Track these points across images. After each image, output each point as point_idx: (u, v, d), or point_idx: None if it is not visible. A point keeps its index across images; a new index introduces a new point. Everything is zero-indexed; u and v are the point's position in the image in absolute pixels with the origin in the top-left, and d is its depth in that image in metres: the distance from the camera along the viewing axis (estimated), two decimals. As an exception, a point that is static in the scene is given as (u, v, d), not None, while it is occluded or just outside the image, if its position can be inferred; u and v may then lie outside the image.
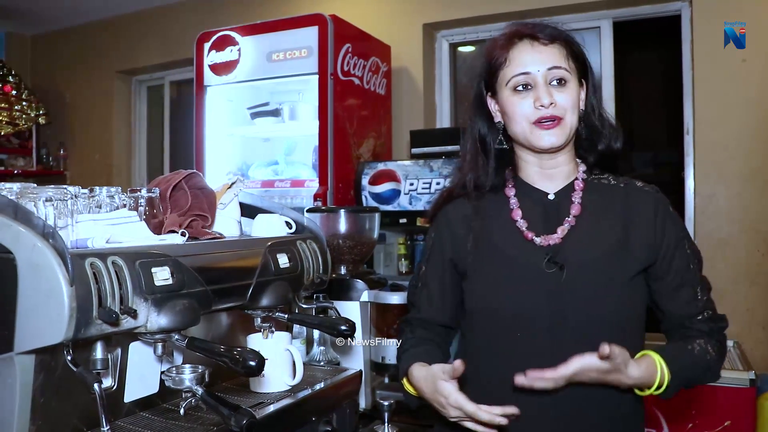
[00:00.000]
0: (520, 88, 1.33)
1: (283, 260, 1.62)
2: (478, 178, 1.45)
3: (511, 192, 1.43)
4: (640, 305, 1.35)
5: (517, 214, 1.39)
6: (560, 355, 1.21)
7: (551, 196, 1.41)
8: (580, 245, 1.33)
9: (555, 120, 1.32)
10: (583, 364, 1.17)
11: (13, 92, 5.10)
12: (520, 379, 1.19)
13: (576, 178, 1.41)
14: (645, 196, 1.39)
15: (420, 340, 1.49)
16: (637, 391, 1.28)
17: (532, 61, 1.32)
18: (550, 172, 1.41)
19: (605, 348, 1.15)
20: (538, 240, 1.35)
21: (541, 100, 1.30)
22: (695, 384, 1.35)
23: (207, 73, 3.60)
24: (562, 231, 1.35)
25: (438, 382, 1.27)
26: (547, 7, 3.72)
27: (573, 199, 1.38)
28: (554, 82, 1.32)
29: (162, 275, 1.25)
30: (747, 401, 2.51)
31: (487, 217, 1.43)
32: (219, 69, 3.56)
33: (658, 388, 1.26)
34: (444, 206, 1.52)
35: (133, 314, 1.18)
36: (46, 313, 1.09)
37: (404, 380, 1.43)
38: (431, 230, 1.54)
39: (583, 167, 1.43)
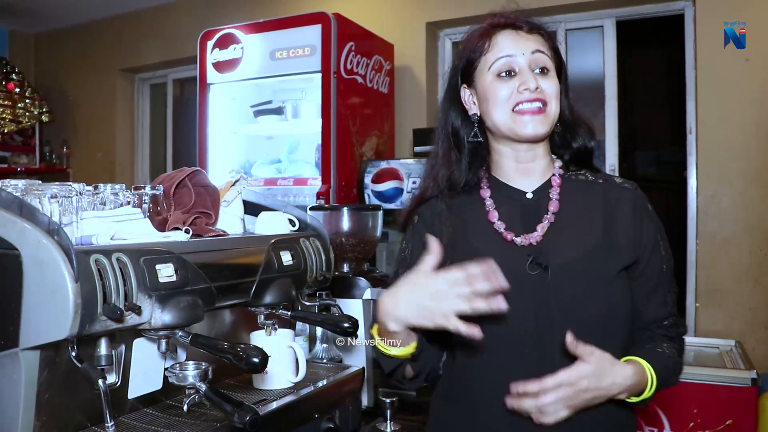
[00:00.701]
0: (504, 74, 1.29)
1: (286, 258, 1.62)
2: (451, 175, 1.39)
3: (486, 193, 1.38)
4: (624, 303, 1.30)
5: (494, 215, 1.34)
6: (549, 359, 1.20)
7: (529, 195, 1.36)
8: (561, 243, 1.29)
9: (540, 105, 1.27)
10: (570, 372, 1.14)
11: (17, 90, 5.11)
12: (510, 402, 1.17)
13: (553, 175, 1.37)
14: (624, 192, 1.35)
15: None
16: (627, 400, 1.24)
17: (516, 45, 1.29)
18: (527, 167, 1.36)
19: (569, 337, 1.14)
20: (518, 240, 1.30)
21: (527, 84, 1.26)
22: (663, 388, 1.31)
23: (210, 71, 3.61)
24: (542, 228, 1.30)
25: (427, 275, 1.15)
26: (551, 6, 3.73)
27: (551, 196, 1.34)
28: (537, 70, 1.29)
29: (166, 272, 1.25)
30: (748, 400, 2.51)
31: (462, 219, 1.37)
32: (222, 67, 3.56)
33: (648, 392, 1.24)
34: (416, 209, 1.45)
35: (138, 311, 1.18)
36: (51, 309, 1.09)
37: (376, 339, 1.27)
38: (406, 235, 1.46)
39: (559, 163, 1.39)
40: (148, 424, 1.34)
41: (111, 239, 1.27)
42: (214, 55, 3.58)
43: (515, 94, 1.28)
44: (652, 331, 1.34)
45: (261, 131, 3.77)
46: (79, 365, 1.17)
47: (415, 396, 2.13)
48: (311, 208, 2.28)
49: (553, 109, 1.30)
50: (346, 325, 1.65)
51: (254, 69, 3.47)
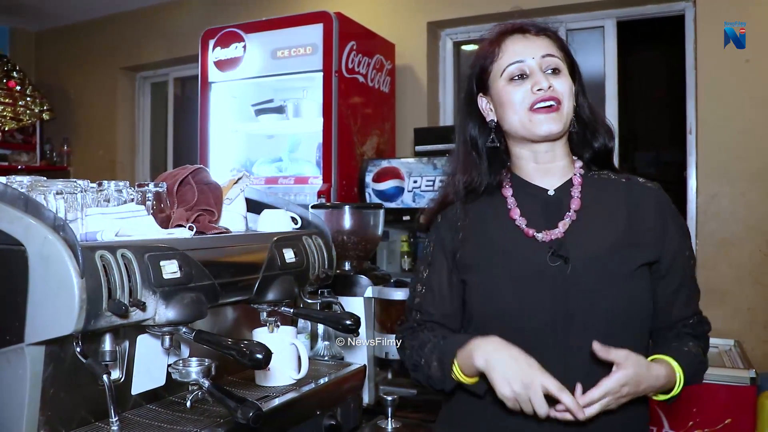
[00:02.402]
0: (516, 77, 1.32)
1: (289, 255, 1.63)
2: (471, 181, 1.42)
3: (508, 192, 1.41)
4: (646, 299, 1.32)
5: (516, 213, 1.37)
6: (568, 351, 1.22)
7: (551, 192, 1.38)
8: (582, 239, 1.31)
9: (553, 103, 1.30)
10: (612, 381, 1.15)
11: (18, 88, 5.11)
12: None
13: (574, 174, 1.39)
14: (648, 191, 1.37)
15: (446, 332, 1.41)
16: (656, 397, 1.27)
17: (525, 49, 1.32)
18: (547, 167, 1.39)
19: (596, 345, 1.16)
20: (539, 236, 1.32)
21: (540, 84, 1.29)
22: (691, 384, 1.35)
23: (212, 69, 3.62)
24: (563, 225, 1.33)
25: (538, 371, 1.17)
26: (552, 6, 3.73)
27: (573, 194, 1.36)
28: (549, 71, 1.32)
29: (170, 269, 1.26)
30: (747, 399, 2.52)
31: (484, 219, 1.41)
32: (224, 66, 3.57)
33: (675, 391, 1.27)
34: (440, 212, 1.49)
35: (142, 307, 1.19)
36: (57, 304, 1.10)
37: (455, 367, 1.27)
38: (430, 235, 1.50)
39: (579, 163, 1.42)
40: (151, 419, 1.35)
41: (116, 236, 1.28)
42: (215, 54, 3.58)
43: (529, 96, 1.30)
44: (677, 330, 1.36)
45: (262, 130, 3.78)
46: (84, 361, 1.18)
47: (416, 394, 2.14)
48: (313, 207, 2.29)
49: (566, 107, 1.32)
50: (348, 322, 1.66)
51: (256, 68, 3.48)
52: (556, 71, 1.32)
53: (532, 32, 1.34)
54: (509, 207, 1.38)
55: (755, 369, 2.56)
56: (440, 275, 1.44)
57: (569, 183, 1.38)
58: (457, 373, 1.26)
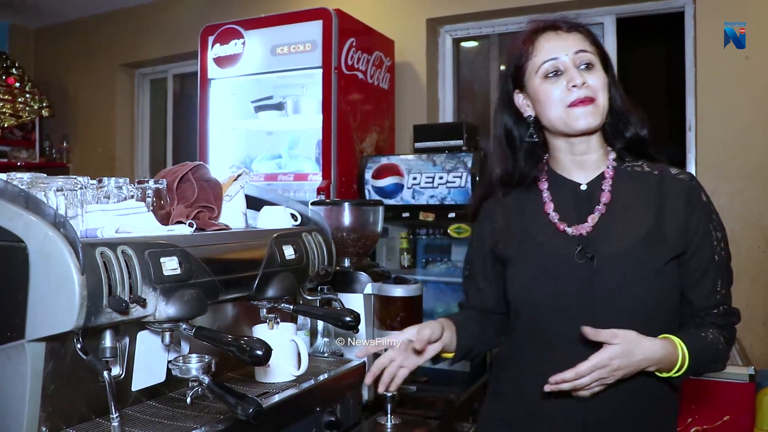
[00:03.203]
0: (551, 74, 1.36)
1: (288, 252, 1.63)
2: (507, 176, 1.49)
3: (544, 186, 1.47)
4: (671, 294, 1.36)
5: (549, 207, 1.43)
6: (591, 343, 1.25)
7: (583, 187, 1.44)
8: (610, 234, 1.36)
9: (589, 100, 1.34)
10: (600, 355, 1.21)
11: (17, 84, 5.12)
12: (547, 388, 1.24)
13: (606, 167, 1.43)
14: (679, 183, 1.39)
15: (462, 314, 1.61)
16: (658, 374, 1.30)
17: (559, 47, 1.36)
18: (582, 159, 1.43)
19: (586, 329, 1.22)
20: (569, 230, 1.39)
21: (574, 81, 1.33)
22: (704, 371, 1.38)
23: (211, 66, 3.62)
24: (592, 219, 1.38)
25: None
26: (551, 3, 3.73)
27: (603, 187, 1.41)
28: (582, 66, 1.35)
29: (170, 265, 1.26)
30: (746, 396, 2.53)
31: (521, 211, 1.48)
32: (223, 62, 3.57)
33: (679, 369, 1.28)
34: (482, 203, 1.58)
35: (142, 303, 1.19)
36: (57, 301, 1.10)
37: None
38: (475, 225, 1.62)
39: (613, 155, 1.45)
40: (151, 416, 1.35)
41: (116, 232, 1.28)
42: (215, 51, 3.58)
43: (565, 92, 1.35)
44: (701, 318, 1.38)
45: (261, 127, 3.78)
46: (84, 357, 1.18)
47: (415, 391, 2.14)
48: (313, 203, 2.29)
49: (602, 100, 1.36)
50: (348, 319, 1.66)
51: (255, 64, 3.48)
52: (589, 66, 1.36)
53: (564, 29, 1.38)
54: (544, 201, 1.45)
55: (754, 366, 2.57)
56: (480, 264, 1.58)
57: (601, 176, 1.43)
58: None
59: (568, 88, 1.34)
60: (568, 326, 1.33)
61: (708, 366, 1.36)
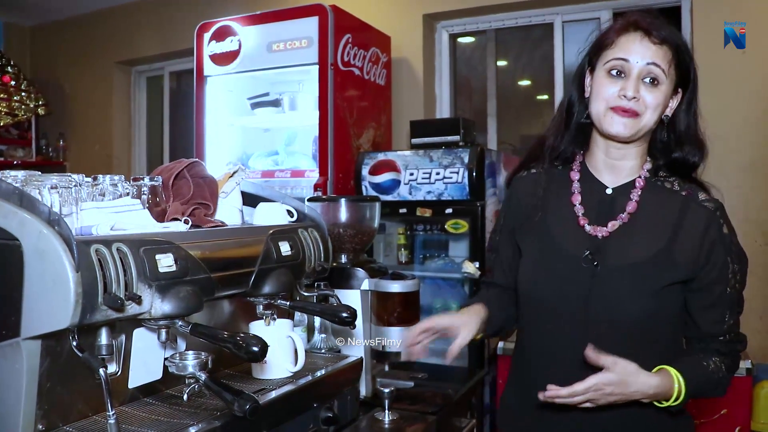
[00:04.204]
0: (614, 72, 1.35)
1: (284, 248, 1.63)
2: (553, 143, 1.51)
3: (575, 176, 1.48)
4: (673, 313, 1.38)
5: (577, 198, 1.45)
6: (585, 345, 1.27)
7: (609, 191, 1.44)
8: (624, 244, 1.37)
9: (633, 113, 1.34)
10: (596, 379, 1.24)
11: (12, 83, 5.11)
12: (541, 396, 1.27)
13: (638, 177, 1.43)
14: (702, 211, 1.38)
15: (486, 296, 1.63)
16: (656, 404, 1.32)
17: (636, 51, 1.34)
18: (615, 164, 1.44)
19: (588, 350, 1.25)
20: (588, 228, 1.40)
21: (627, 91, 1.33)
22: (703, 397, 1.40)
23: (207, 63, 3.61)
24: (612, 225, 1.39)
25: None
26: (548, -2, 3.74)
27: (631, 196, 1.41)
28: (647, 80, 1.34)
29: (166, 262, 1.26)
30: (743, 390, 2.54)
31: (548, 190, 1.50)
32: (219, 59, 3.56)
33: (675, 400, 1.30)
34: (519, 172, 1.60)
35: (138, 300, 1.19)
36: (53, 299, 1.10)
37: None
38: (505, 199, 1.66)
39: (648, 166, 1.44)
40: (148, 413, 1.35)
41: (111, 230, 1.28)
42: (211, 48, 3.58)
43: (614, 95, 1.34)
44: (706, 344, 1.40)
45: (258, 123, 3.77)
46: (80, 354, 1.18)
47: (413, 386, 2.14)
48: (309, 199, 2.29)
49: (646, 118, 1.35)
50: (344, 314, 1.66)
51: (251, 61, 3.47)
52: (654, 81, 1.34)
53: (654, 38, 1.34)
54: (573, 191, 1.46)
55: (751, 360, 2.58)
56: (506, 241, 1.60)
57: (630, 184, 1.43)
58: None
59: (619, 94, 1.34)
60: (563, 323, 1.36)
61: (706, 394, 1.40)
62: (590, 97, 1.42)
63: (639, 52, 1.34)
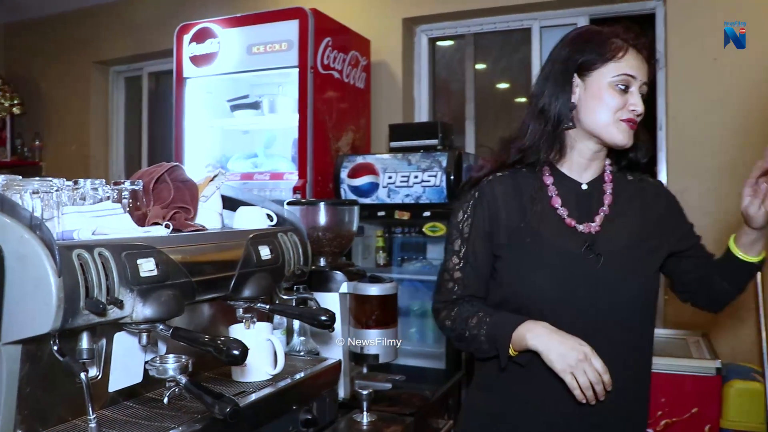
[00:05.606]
0: (621, 86, 1.43)
1: (264, 252, 1.65)
2: (528, 148, 1.51)
3: (549, 180, 1.52)
4: (658, 286, 1.51)
5: (557, 201, 1.49)
6: (591, 334, 1.35)
7: (584, 186, 1.52)
8: (613, 233, 1.47)
9: (636, 124, 1.47)
10: None
11: (-13, 81, 5.04)
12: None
13: (605, 171, 1.55)
14: (658, 190, 1.58)
15: (485, 308, 1.51)
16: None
17: (639, 69, 1.45)
18: (590, 163, 1.53)
19: None
20: (581, 227, 1.47)
21: (638, 108, 1.44)
22: None
23: (187, 64, 3.60)
24: (599, 219, 1.48)
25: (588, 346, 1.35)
26: (527, 3, 3.79)
27: (605, 190, 1.52)
28: (641, 95, 1.46)
29: (147, 267, 1.27)
30: (713, 389, 2.60)
31: (523, 203, 1.50)
32: (199, 61, 3.56)
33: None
34: (487, 177, 1.55)
35: (120, 305, 1.20)
36: (34, 303, 1.11)
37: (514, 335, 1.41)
38: (474, 204, 1.54)
39: (608, 161, 1.56)
40: (129, 416, 1.36)
41: (93, 234, 1.28)
42: (190, 49, 3.57)
43: (624, 109, 1.44)
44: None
45: (237, 125, 3.77)
46: (61, 359, 1.18)
47: (391, 388, 2.17)
48: (288, 203, 2.31)
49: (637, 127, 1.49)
50: (323, 318, 1.68)
51: (231, 63, 3.47)
52: (643, 97, 1.47)
53: (644, 56, 1.47)
54: (550, 195, 1.51)
55: (721, 360, 2.64)
56: (478, 251, 1.53)
57: (600, 179, 1.54)
58: (510, 351, 1.41)
59: (628, 108, 1.43)
60: (571, 318, 1.40)
61: None
62: (583, 104, 1.47)
63: (641, 70, 1.46)
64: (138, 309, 1.25)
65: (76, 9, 5.22)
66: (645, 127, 1.55)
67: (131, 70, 5.32)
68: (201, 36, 3.54)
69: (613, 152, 1.54)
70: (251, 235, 1.65)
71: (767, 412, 2.58)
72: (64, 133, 5.39)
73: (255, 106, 3.57)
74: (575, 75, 1.48)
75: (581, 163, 1.52)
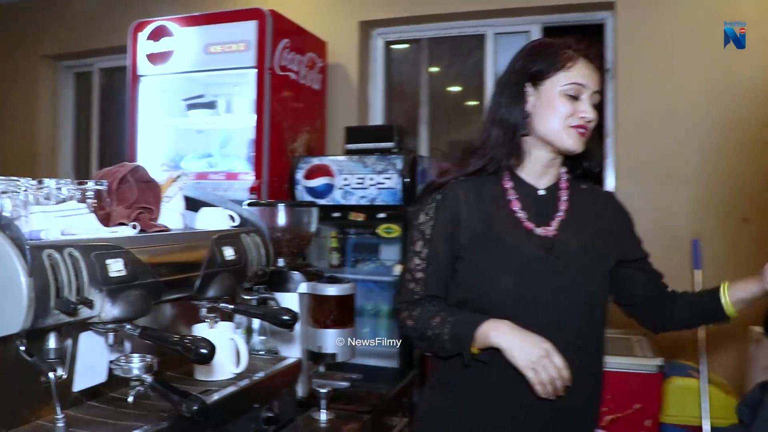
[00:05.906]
0: (572, 93, 1.49)
1: (228, 253, 1.67)
2: (488, 158, 1.56)
3: (508, 184, 1.57)
4: (607, 289, 1.58)
5: (516, 205, 1.55)
6: (552, 333, 1.40)
7: (541, 192, 1.58)
8: (569, 236, 1.53)
9: (588, 131, 1.52)
10: None
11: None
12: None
13: (560, 178, 1.61)
14: (607, 197, 1.68)
15: (448, 307, 1.54)
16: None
17: (590, 78, 1.51)
18: (546, 170, 1.58)
19: None
20: (539, 231, 1.52)
21: (588, 115, 1.50)
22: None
23: (142, 62, 3.58)
24: (555, 224, 1.54)
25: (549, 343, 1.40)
26: (481, 11, 3.88)
27: (561, 196, 1.58)
28: (593, 104, 1.52)
29: (116, 267, 1.29)
30: (655, 386, 2.73)
31: (485, 206, 1.55)
32: (154, 59, 3.54)
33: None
34: (443, 187, 1.58)
35: (90, 304, 1.21)
36: (4, 303, 1.11)
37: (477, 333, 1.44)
38: (434, 208, 1.57)
39: (564, 169, 1.62)
40: (95, 416, 1.36)
41: (62, 234, 1.29)
42: (146, 47, 3.55)
43: (573, 116, 1.49)
44: (665, 286, 1.71)
45: (193, 125, 3.76)
46: (29, 359, 1.19)
47: (348, 386, 2.21)
48: (249, 204, 2.32)
49: (589, 134, 1.54)
50: (285, 317, 1.71)
51: (188, 62, 3.46)
52: (595, 106, 1.52)
53: (595, 65, 1.53)
54: (509, 198, 1.56)
55: (662, 357, 2.77)
56: (440, 252, 1.55)
57: (556, 186, 1.60)
58: (473, 348, 1.44)
59: (578, 115, 1.49)
60: (532, 318, 1.45)
61: None
62: (537, 112, 1.53)
63: (592, 79, 1.51)
64: (107, 309, 1.27)
65: (24, 0, 5.08)
66: (599, 137, 1.64)
67: (82, 66, 5.20)
68: (157, 34, 3.51)
69: (568, 161, 1.61)
70: (215, 236, 1.67)
71: (702, 407, 2.72)
72: (9, 129, 5.23)
73: (211, 105, 3.56)
74: (529, 84, 1.55)
75: (538, 170, 1.58)
